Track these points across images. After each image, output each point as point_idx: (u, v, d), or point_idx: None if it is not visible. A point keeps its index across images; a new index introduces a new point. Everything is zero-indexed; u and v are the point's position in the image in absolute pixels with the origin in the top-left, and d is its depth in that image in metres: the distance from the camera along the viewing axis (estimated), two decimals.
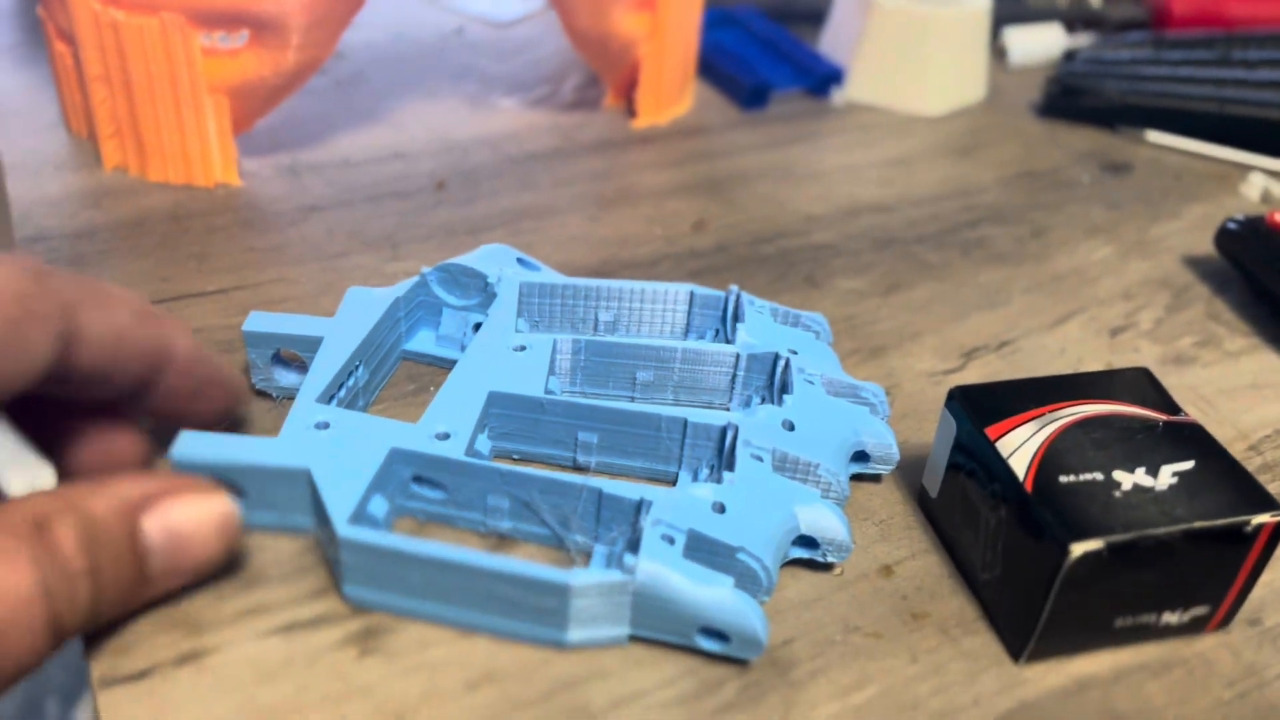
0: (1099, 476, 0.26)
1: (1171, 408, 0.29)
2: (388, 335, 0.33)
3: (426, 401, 0.31)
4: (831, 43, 0.55)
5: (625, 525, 0.27)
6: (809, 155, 0.49)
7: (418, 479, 0.29)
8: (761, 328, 0.33)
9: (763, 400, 0.32)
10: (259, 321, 0.31)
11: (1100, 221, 0.46)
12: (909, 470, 0.32)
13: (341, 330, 0.31)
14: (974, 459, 0.28)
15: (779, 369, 0.32)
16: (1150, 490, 0.26)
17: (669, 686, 0.25)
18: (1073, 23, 0.61)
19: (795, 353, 0.32)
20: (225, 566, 0.27)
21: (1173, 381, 0.37)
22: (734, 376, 0.32)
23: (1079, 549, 0.24)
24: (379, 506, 0.28)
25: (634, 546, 0.26)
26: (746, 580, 0.27)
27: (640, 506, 0.27)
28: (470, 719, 0.24)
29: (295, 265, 0.39)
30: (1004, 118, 0.54)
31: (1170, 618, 0.27)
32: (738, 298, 0.34)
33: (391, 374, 0.34)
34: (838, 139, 0.50)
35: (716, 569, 0.26)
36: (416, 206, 0.43)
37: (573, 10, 0.44)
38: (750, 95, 0.51)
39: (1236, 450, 0.34)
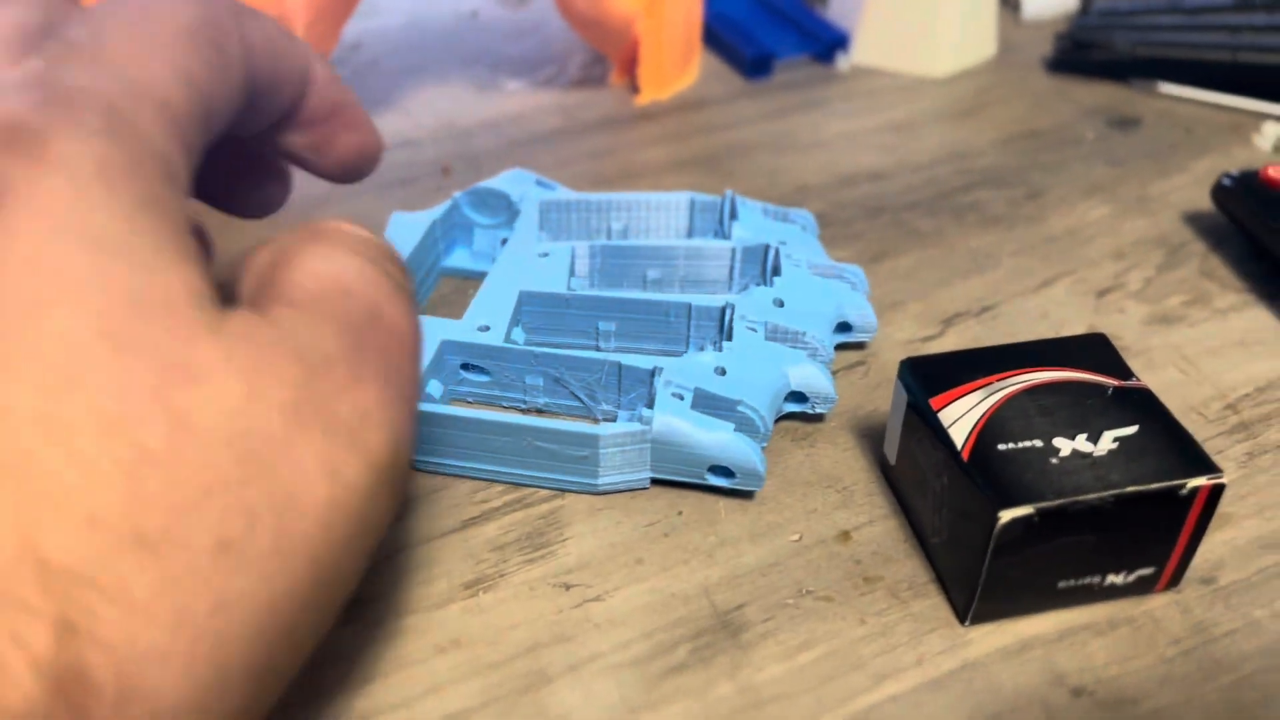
0: (1038, 443, 0.27)
1: (1124, 373, 0.29)
2: (428, 253, 0.38)
3: (468, 304, 0.35)
4: (840, 7, 0.55)
5: (642, 390, 0.32)
6: (810, 124, 0.49)
7: (465, 366, 0.33)
8: (753, 224, 0.38)
9: (758, 285, 0.36)
10: None
11: (1101, 180, 0.46)
12: (875, 438, 0.33)
13: None
14: (921, 428, 0.29)
15: (769, 257, 0.35)
16: (1089, 456, 0.27)
17: (623, 650, 0.27)
18: None
19: (784, 243, 0.37)
20: None
21: (1156, 341, 0.37)
22: (731, 268, 0.36)
23: (1007, 515, 0.25)
24: (435, 389, 0.33)
25: (651, 405, 0.31)
26: (747, 428, 0.31)
27: (654, 373, 0.31)
28: (437, 681, 0.26)
29: None
30: (1014, 75, 0.54)
31: (1115, 578, 0.28)
32: (733, 200, 0.38)
33: (435, 286, 0.39)
34: (841, 105, 0.51)
35: (723, 420, 0.30)
36: (421, 193, 0.44)
37: None
38: (752, 65, 0.52)
39: (1213, 410, 0.34)
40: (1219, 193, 0.41)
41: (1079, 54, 0.52)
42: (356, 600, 0.28)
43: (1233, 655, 0.27)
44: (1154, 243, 0.42)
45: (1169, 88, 0.51)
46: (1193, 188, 0.45)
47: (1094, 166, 0.46)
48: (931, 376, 0.29)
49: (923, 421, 0.28)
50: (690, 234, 0.39)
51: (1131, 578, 0.28)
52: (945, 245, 0.41)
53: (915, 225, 0.42)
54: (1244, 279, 0.40)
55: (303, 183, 0.45)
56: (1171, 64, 0.51)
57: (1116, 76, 0.52)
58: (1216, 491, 0.26)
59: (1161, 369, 0.36)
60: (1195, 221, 0.43)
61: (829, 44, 0.53)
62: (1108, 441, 0.27)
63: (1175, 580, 0.28)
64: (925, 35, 0.52)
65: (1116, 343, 0.37)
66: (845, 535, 0.30)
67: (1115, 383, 0.29)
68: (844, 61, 0.53)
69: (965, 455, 0.27)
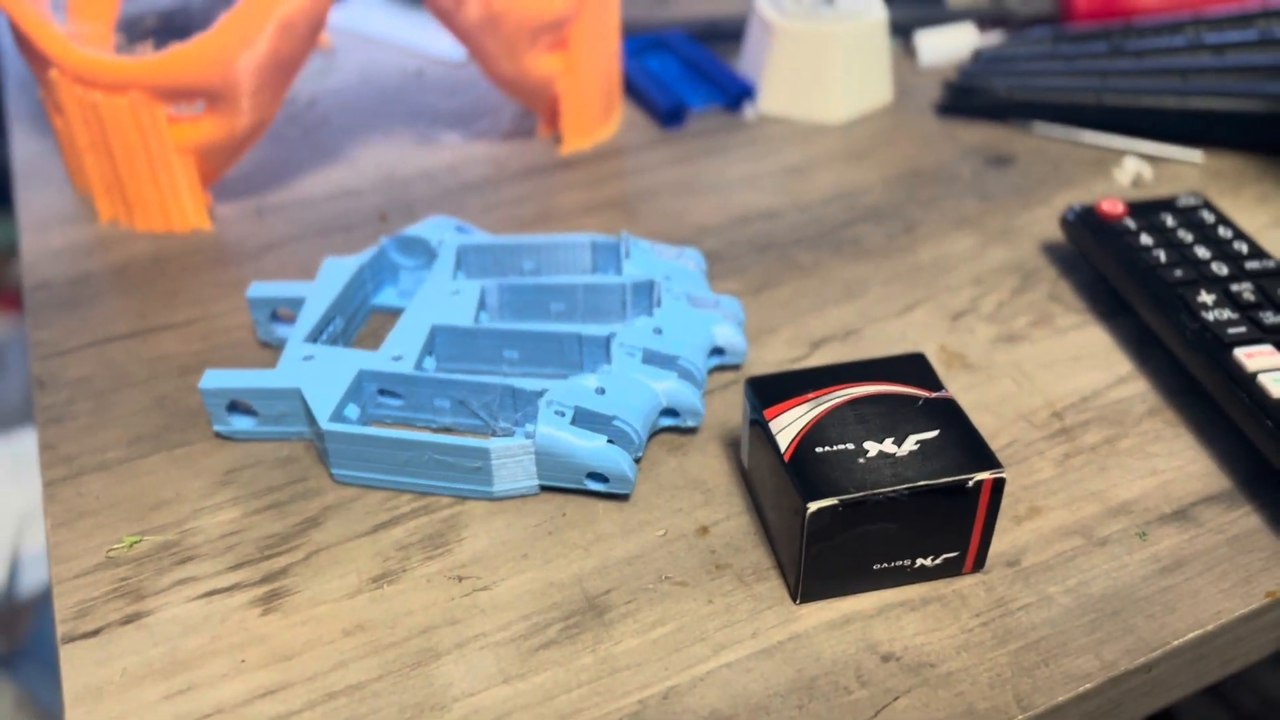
0: (850, 446, 0.32)
1: (935, 386, 0.34)
2: (356, 292, 0.43)
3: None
4: (747, 62, 0.60)
5: (533, 409, 0.37)
6: (714, 168, 0.54)
7: (381, 392, 0.38)
8: (644, 262, 0.43)
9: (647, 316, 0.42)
10: (258, 289, 0.42)
11: (971, 213, 0.51)
12: (739, 447, 0.38)
13: (320, 291, 0.41)
14: (760, 436, 0.33)
15: (654, 291, 0.40)
16: (892, 456, 0.31)
17: (504, 630, 0.32)
18: (985, 22, 0.65)
19: (668, 278, 0.42)
20: (168, 547, 0.34)
21: (1000, 358, 0.42)
22: (624, 301, 0.41)
23: (815, 506, 0.30)
24: (352, 411, 0.38)
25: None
26: (622, 440, 0.36)
27: (540, 394, 0.36)
28: (342, 658, 0.31)
29: None
30: (906, 119, 0.59)
31: (924, 561, 0.32)
32: (627, 241, 0.43)
33: (365, 322, 0.44)
34: (744, 151, 0.56)
35: (600, 433, 0.35)
36: (360, 238, 0.50)
37: (489, 58, 0.51)
38: (667, 115, 0.57)
39: (1040, 417, 0.39)
40: (1065, 225, 0.46)
41: (963, 98, 0.58)
42: (276, 594, 0.33)
43: (1023, 625, 0.32)
44: (1011, 270, 0.47)
45: (1042, 127, 0.56)
46: (1052, 220, 0.50)
47: (966, 201, 0.51)
48: (769, 392, 0.34)
49: (761, 430, 0.33)
50: (593, 271, 0.44)
51: (939, 560, 0.33)
52: (822, 276, 0.46)
53: (797, 259, 0.47)
54: (1086, 301, 0.45)
55: (256, 229, 0.50)
56: (1045, 106, 0.56)
57: (997, 118, 0.57)
58: (999, 484, 0.31)
59: (999, 382, 0.40)
60: (1051, 250, 0.48)
61: (736, 95, 0.58)
62: (910, 444, 0.32)
63: (980, 562, 0.33)
64: (822, 86, 0.57)
65: (962, 360, 0.42)
66: (704, 530, 0.35)
67: (926, 394, 0.34)
68: (751, 111, 0.59)
69: (787, 457, 0.32)
